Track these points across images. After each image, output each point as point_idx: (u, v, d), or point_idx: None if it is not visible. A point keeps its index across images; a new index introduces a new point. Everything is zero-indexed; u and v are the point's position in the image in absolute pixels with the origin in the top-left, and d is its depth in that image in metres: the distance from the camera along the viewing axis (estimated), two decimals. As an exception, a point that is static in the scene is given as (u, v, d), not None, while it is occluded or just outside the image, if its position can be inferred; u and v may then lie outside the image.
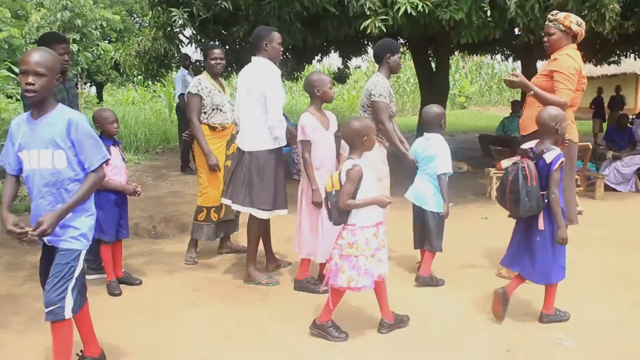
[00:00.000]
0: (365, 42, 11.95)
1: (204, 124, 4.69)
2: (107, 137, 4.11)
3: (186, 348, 3.29)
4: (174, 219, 6.44)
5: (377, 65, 4.68)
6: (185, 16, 7.01)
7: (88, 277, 4.49)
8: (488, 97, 28.24)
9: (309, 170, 4.01)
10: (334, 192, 3.18)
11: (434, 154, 4.22)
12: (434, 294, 4.07)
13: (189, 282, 4.34)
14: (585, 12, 5.93)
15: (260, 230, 4.39)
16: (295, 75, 12.41)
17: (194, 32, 8.73)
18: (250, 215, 4.27)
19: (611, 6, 5.74)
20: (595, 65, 13.41)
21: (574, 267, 4.57)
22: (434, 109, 4.33)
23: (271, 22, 6.62)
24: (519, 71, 27.25)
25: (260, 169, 4.14)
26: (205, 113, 4.68)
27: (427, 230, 4.25)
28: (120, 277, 4.28)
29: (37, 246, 4.90)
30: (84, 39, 13.16)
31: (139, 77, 17.84)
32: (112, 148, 4.05)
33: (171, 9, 7.09)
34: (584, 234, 5.08)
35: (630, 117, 9.20)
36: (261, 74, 4.10)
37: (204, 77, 4.75)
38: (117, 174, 4.13)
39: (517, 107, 10.06)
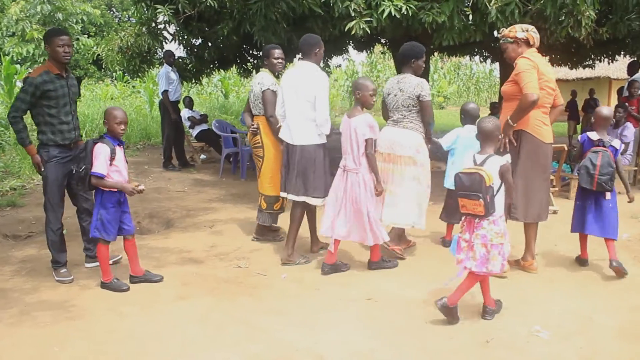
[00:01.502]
0: (347, 42, 12.07)
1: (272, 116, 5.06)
2: (113, 136, 4.09)
3: (176, 340, 3.37)
4: (159, 215, 6.49)
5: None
6: (170, 13, 7.05)
7: (87, 265, 4.59)
8: (466, 97, 28.60)
9: (374, 165, 4.39)
10: (490, 186, 3.44)
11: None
12: (416, 290, 4.20)
13: (178, 277, 4.41)
14: (563, 17, 6.12)
15: (302, 216, 4.83)
16: (277, 74, 12.48)
17: (178, 29, 8.76)
18: (296, 202, 4.74)
19: (587, 13, 5.93)
20: (571, 68, 13.69)
21: (550, 263, 4.77)
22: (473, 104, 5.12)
23: (258, 21, 6.70)
24: (497, 72, 27.36)
25: (312, 161, 4.60)
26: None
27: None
28: (140, 276, 4.28)
29: (22, 241, 4.96)
30: (65, 33, 13.05)
31: (119, 72, 17.75)
32: (117, 148, 4.07)
33: (157, 5, 7.11)
34: (559, 232, 5.27)
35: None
36: (311, 77, 4.57)
37: (268, 74, 5.18)
38: (121, 175, 4.11)
39: (496, 110, 10.27)
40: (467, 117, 5.12)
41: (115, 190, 4.08)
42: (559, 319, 3.66)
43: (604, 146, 4.40)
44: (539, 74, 4.17)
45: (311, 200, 4.68)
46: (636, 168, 8.24)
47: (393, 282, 4.34)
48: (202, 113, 11.45)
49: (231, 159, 9.60)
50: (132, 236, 4.28)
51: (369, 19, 6.18)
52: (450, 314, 3.55)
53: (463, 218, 3.62)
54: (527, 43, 4.34)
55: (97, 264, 4.54)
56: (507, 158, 3.63)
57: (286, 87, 4.73)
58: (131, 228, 4.25)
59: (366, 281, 4.35)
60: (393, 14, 5.97)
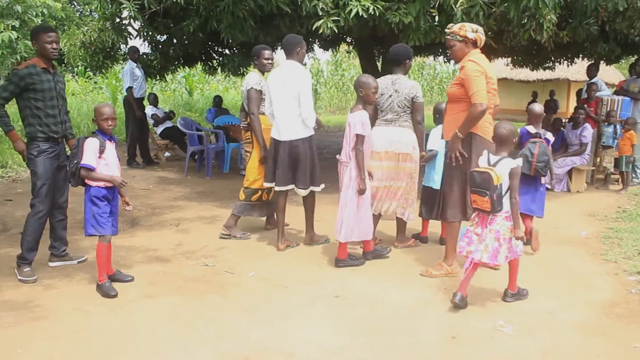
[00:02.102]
0: (311, 40, 12.09)
1: (263, 114, 5.35)
2: (103, 132, 4.04)
3: (144, 340, 3.34)
4: (124, 213, 6.35)
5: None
6: (135, 8, 6.95)
7: (51, 264, 4.50)
8: (430, 97, 28.90)
9: (361, 161, 4.48)
10: (498, 186, 3.67)
11: None
12: (384, 287, 4.26)
13: (144, 276, 4.36)
14: (525, 20, 6.27)
15: (285, 205, 5.20)
16: (242, 70, 12.41)
17: (143, 25, 8.64)
18: (280, 193, 5.12)
19: (548, 17, 6.09)
20: (532, 70, 14.00)
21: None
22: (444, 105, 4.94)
23: (225, 18, 6.67)
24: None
25: (302, 154, 4.92)
26: (263, 106, 5.35)
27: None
28: (110, 275, 4.19)
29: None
30: (25, 27, 12.70)
31: (81, 67, 17.37)
32: (107, 143, 4.02)
33: (121, 0, 7.00)
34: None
35: (563, 121, 9.70)
36: (295, 74, 4.86)
37: (258, 74, 5.42)
38: (110, 169, 4.05)
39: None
40: (441, 116, 5.11)
41: (103, 187, 4.02)
42: (521, 315, 3.76)
43: (540, 138, 5.16)
44: (486, 78, 4.15)
45: (316, 189, 5.06)
46: (594, 168, 8.50)
47: (359, 279, 4.39)
48: (168, 110, 11.32)
49: (196, 157, 9.52)
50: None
51: (336, 18, 6.21)
52: (465, 303, 3.83)
53: (475, 213, 3.92)
54: (475, 44, 4.32)
55: (62, 263, 4.49)
56: (518, 162, 3.79)
57: (273, 86, 4.99)
58: (115, 229, 4.18)
59: (333, 279, 4.39)
60: (360, 14, 6.02)
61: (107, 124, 4.01)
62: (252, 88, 5.28)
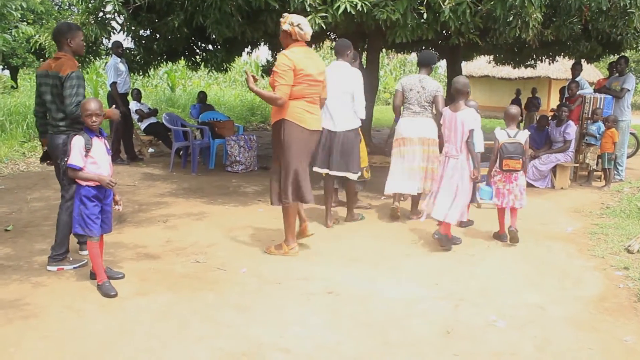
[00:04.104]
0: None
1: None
2: (89, 128, 3.94)
3: (138, 337, 3.31)
4: (110, 210, 6.32)
5: None
6: (119, 3, 6.86)
7: (49, 267, 4.41)
8: (411, 94, 29.07)
9: (474, 152, 5.12)
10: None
11: None
12: (377, 282, 4.27)
13: (135, 273, 4.32)
14: (511, 18, 6.32)
15: (333, 189, 5.95)
16: (225, 66, 12.32)
17: (126, 19, 8.53)
18: (329, 177, 5.76)
19: (534, 15, 6.14)
20: (514, 67, 14.16)
21: (503, 257, 4.95)
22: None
23: (212, 14, 6.62)
24: (442, 70, 27.90)
25: (350, 143, 5.59)
26: None
27: None
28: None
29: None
30: (3, 20, 12.46)
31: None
32: (94, 140, 3.93)
33: (106, -6, 6.91)
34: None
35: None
36: (349, 74, 5.60)
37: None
38: (99, 167, 3.96)
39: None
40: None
41: (93, 186, 3.94)
42: (512, 310, 3.80)
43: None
44: (297, 71, 4.46)
45: (351, 175, 5.67)
46: (577, 164, 8.61)
47: (352, 275, 4.40)
48: (151, 107, 11.22)
49: (181, 153, 9.45)
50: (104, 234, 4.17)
51: (324, 14, 6.20)
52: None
53: (501, 175, 5.23)
54: (291, 36, 4.55)
55: (58, 267, 4.40)
56: (527, 133, 5.29)
57: (327, 83, 5.18)
58: (108, 227, 4.12)
59: (325, 274, 4.39)
60: (348, 10, 6.02)
61: (92, 120, 3.89)
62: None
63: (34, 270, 4.37)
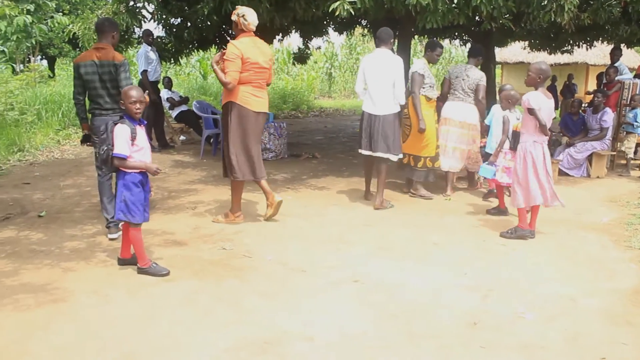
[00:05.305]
0: (326, 23, 11.96)
1: (423, 95, 6.29)
2: (131, 116, 3.97)
3: (163, 323, 3.33)
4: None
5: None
6: (150, -9, 6.90)
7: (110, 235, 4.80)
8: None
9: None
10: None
11: None
12: (406, 271, 4.22)
13: (162, 260, 4.34)
14: (546, 2, 6.14)
15: (387, 170, 6.10)
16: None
17: (157, 8, 8.58)
18: (380, 159, 5.96)
19: (569, -2, 5.95)
20: (549, 53, 13.81)
21: (534, 247, 4.83)
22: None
23: (240, 0, 6.58)
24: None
25: (392, 126, 5.88)
26: (424, 88, 6.29)
27: None
28: (128, 259, 4.20)
29: (0, 222, 4.89)
30: (39, 11, 12.69)
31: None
32: (137, 128, 3.96)
33: (136, -17, 6.95)
34: (540, 216, 5.31)
35: (583, 105, 9.55)
36: (391, 61, 5.85)
37: (424, 62, 6.37)
38: (144, 155, 4.01)
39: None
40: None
41: (138, 172, 3.98)
42: (542, 301, 3.71)
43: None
44: (244, 59, 4.88)
45: (392, 157, 5.95)
46: (614, 152, 8.36)
47: (379, 264, 4.35)
48: (182, 95, 11.29)
49: (212, 141, 9.50)
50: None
51: (352, 0, 6.11)
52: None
53: (512, 154, 5.52)
54: (237, 26, 4.98)
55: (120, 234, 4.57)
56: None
57: (369, 69, 5.90)
58: (147, 215, 4.15)
59: (351, 263, 4.36)
60: (377, -5, 5.94)
61: (136, 108, 3.93)
62: (416, 72, 6.22)
63: (64, 255, 4.45)
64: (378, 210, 5.93)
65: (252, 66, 4.98)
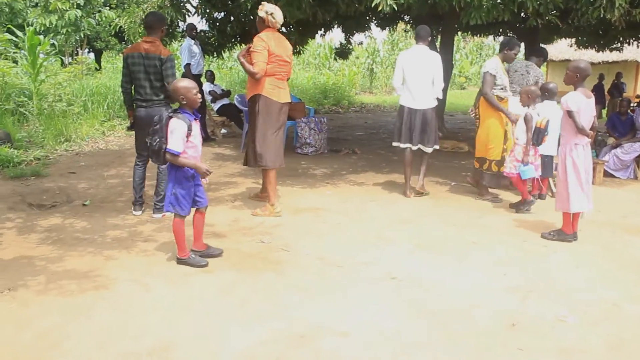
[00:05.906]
0: (368, 19, 11.91)
1: (495, 95, 6.11)
2: (189, 109, 3.97)
3: (200, 313, 3.38)
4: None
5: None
6: (194, -14, 6.99)
7: (154, 215, 5.22)
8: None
9: None
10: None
11: None
12: (442, 270, 4.18)
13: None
14: (596, -2, 5.96)
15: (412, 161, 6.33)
16: (298, 48, 12.35)
17: (201, 2, 8.69)
18: (422, 151, 6.26)
19: (621, -7, 5.77)
20: (597, 51, 13.42)
21: (577, 249, 4.72)
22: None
23: (283, -4, 6.62)
24: (520, 55, 27.10)
25: (429, 119, 6.14)
26: (495, 89, 6.06)
27: None
28: (202, 250, 4.27)
29: (46, 210, 5.05)
30: (88, 5, 13.03)
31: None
32: (193, 123, 3.95)
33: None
34: (585, 219, 5.18)
35: (632, 104, 9.26)
36: (430, 57, 6.04)
37: (498, 61, 6.12)
38: (198, 151, 4.05)
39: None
40: (550, 94, 6.28)
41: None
42: (585, 305, 3.61)
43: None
44: (270, 52, 5.10)
45: (427, 149, 6.22)
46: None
47: (417, 261, 4.32)
48: (224, 89, 11.41)
49: (252, 135, 9.56)
50: (205, 208, 4.27)
51: (396, -5, 6.07)
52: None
53: (534, 150, 5.62)
54: (264, 22, 5.19)
55: (162, 214, 5.09)
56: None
57: (408, 65, 6.05)
58: (205, 200, 4.21)
59: (389, 260, 4.33)
60: (422, -9, 5.88)
61: (198, 98, 3.98)
62: (487, 72, 6.04)
63: (106, 243, 4.56)
64: (417, 207, 5.88)
65: (277, 59, 5.21)
